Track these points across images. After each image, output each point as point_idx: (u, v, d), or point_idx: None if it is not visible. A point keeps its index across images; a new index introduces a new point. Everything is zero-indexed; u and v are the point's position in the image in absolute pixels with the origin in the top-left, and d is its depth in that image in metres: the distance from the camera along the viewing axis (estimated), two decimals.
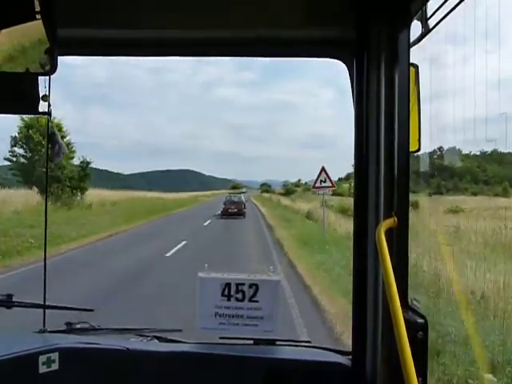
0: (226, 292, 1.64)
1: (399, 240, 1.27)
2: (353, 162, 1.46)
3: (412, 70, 1.34)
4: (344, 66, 1.52)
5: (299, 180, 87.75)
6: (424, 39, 1.30)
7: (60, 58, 1.36)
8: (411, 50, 1.30)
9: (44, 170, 24.95)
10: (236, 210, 28.21)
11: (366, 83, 1.37)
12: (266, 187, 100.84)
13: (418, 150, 1.43)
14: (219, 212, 29.15)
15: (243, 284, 1.64)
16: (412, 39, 1.30)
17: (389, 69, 1.29)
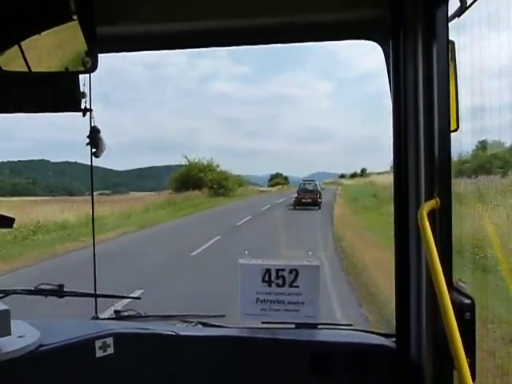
0: (267, 278, 1.67)
1: (442, 221, 1.26)
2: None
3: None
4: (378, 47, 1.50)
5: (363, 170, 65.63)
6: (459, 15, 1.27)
7: None
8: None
9: None
10: (310, 200, 25.40)
11: (403, 63, 1.35)
12: (281, 179, 67.44)
13: (457, 129, 1.40)
14: (291, 202, 26.40)
15: (283, 270, 1.67)
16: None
17: (426, 47, 1.26)
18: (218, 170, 39.85)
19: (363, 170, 67.74)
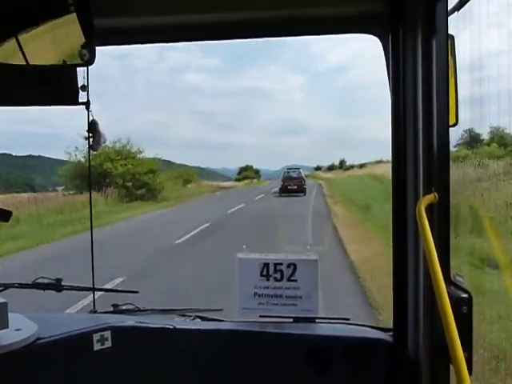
0: (265, 272, 1.68)
1: (440, 216, 1.26)
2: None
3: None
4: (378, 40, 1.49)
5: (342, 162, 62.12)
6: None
7: None
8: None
9: None
10: (296, 187, 26.69)
11: (403, 57, 1.35)
12: (251, 173, 58.04)
13: (456, 124, 1.40)
14: (277, 190, 27.33)
15: (281, 264, 1.67)
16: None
17: (426, 41, 1.26)
18: (141, 158, 25.40)
19: (342, 162, 63.56)
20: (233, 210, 18.34)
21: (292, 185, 27.08)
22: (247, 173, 58.34)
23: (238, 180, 52.84)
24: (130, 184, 23.05)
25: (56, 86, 1.53)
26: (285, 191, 26.59)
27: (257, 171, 62.61)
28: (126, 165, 23.63)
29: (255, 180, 53.27)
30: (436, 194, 1.25)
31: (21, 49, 1.32)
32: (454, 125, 1.38)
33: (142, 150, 25.47)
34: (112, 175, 22.81)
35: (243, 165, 64.62)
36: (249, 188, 36.40)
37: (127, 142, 25.45)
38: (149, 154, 26.36)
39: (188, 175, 33.65)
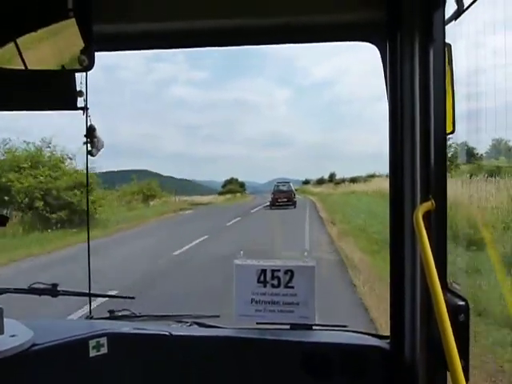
0: (262, 278, 1.67)
1: (437, 223, 1.26)
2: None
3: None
4: (376, 48, 1.50)
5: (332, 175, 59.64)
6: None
7: None
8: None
9: None
10: (286, 200, 27.47)
11: (400, 65, 1.36)
12: (235, 186, 53.01)
13: (453, 132, 1.41)
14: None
15: (278, 270, 1.67)
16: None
17: (423, 49, 1.27)
18: (70, 167, 17.63)
19: (332, 176, 60.86)
20: (185, 248, 11.44)
21: (282, 197, 28.00)
22: (232, 186, 53.12)
23: (221, 194, 48.33)
24: (40, 204, 15.63)
25: (55, 90, 1.53)
26: (274, 204, 27.33)
27: (242, 184, 57.10)
28: (36, 176, 16.19)
29: (238, 194, 48.17)
30: (433, 202, 1.25)
31: (20, 53, 1.32)
32: (451, 132, 1.39)
33: (71, 156, 17.59)
34: (16, 192, 15.56)
35: (229, 177, 59.31)
36: (229, 204, 31.65)
37: (47, 145, 17.28)
38: (138, 165, 19.05)
39: (150, 190, 27.44)
